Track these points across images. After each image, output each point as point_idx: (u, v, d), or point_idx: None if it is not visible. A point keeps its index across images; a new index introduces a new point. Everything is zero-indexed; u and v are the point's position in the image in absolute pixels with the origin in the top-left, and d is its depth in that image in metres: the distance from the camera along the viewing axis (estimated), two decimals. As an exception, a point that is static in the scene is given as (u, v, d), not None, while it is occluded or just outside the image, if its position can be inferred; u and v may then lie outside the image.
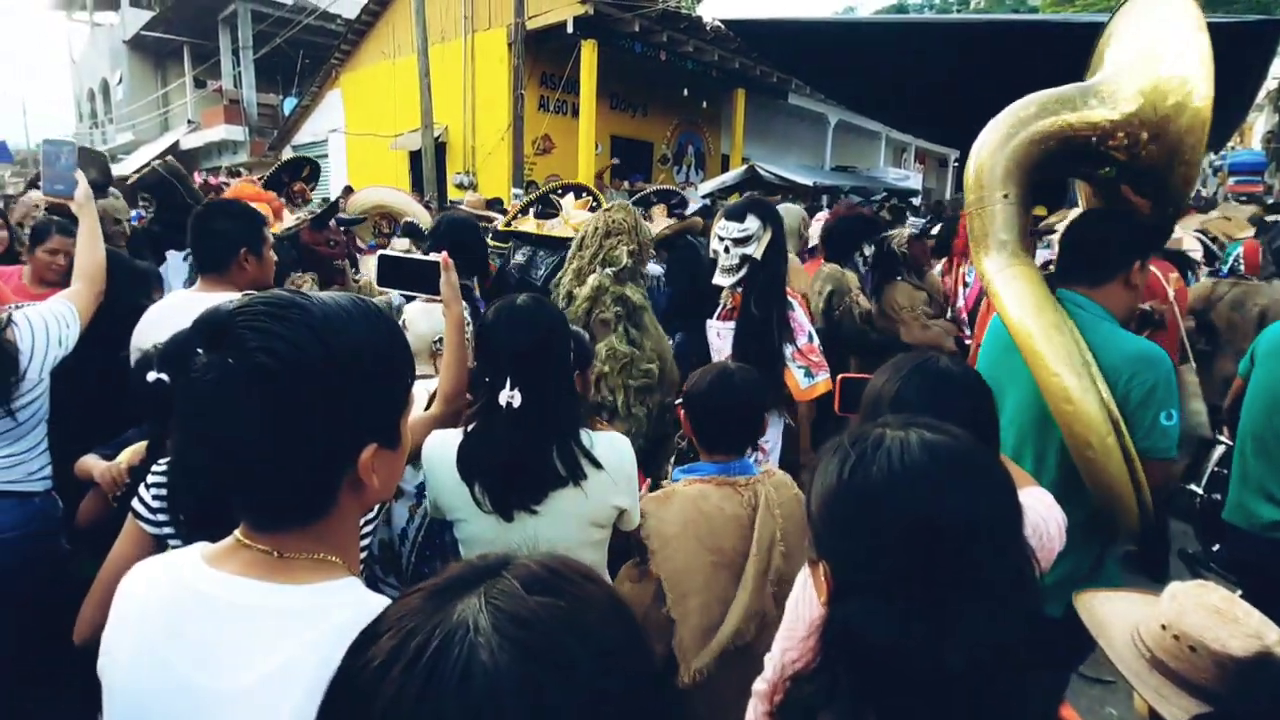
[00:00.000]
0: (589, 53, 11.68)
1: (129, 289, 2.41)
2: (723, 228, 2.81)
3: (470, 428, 1.56)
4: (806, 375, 2.81)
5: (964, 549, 0.77)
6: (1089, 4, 17.91)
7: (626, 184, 12.51)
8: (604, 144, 13.92)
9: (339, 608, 0.78)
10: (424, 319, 2.25)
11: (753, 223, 2.75)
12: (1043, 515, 1.37)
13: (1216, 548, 2.99)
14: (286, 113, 18.69)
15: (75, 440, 1.98)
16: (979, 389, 1.27)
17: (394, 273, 1.74)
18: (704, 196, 9.71)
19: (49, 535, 2.06)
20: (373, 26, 15.35)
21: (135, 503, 1.42)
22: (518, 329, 1.52)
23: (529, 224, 4.05)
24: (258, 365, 0.72)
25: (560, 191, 4.31)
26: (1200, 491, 3.43)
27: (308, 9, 17.36)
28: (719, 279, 2.85)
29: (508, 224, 4.17)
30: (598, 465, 1.55)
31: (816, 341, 2.91)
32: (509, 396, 1.48)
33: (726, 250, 2.79)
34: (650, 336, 3.01)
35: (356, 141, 15.97)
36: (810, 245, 4.98)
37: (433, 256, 1.82)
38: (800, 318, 2.89)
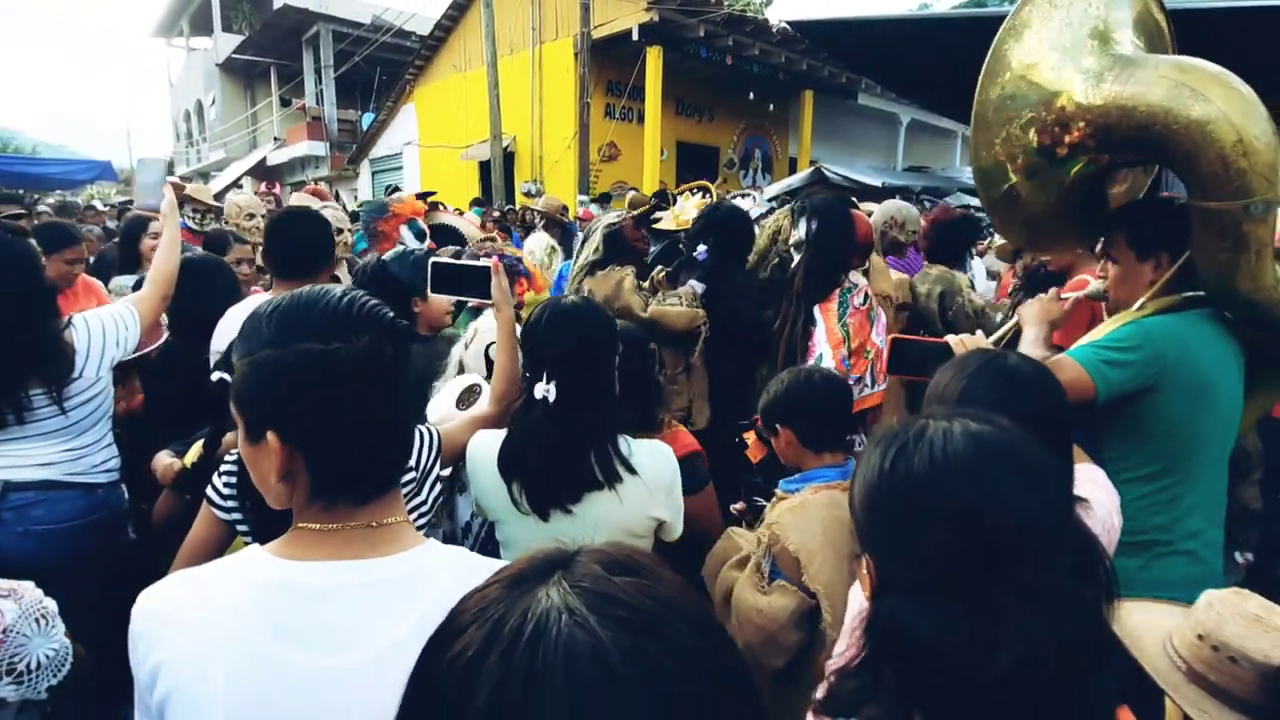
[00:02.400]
0: (654, 60, 11.73)
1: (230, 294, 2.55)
2: (794, 231, 2.81)
3: (511, 425, 1.58)
4: (870, 385, 2.74)
5: (1011, 544, 0.74)
6: (1181, -10, 16.95)
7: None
8: (670, 150, 13.95)
9: (441, 563, 0.87)
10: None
11: (802, 225, 2.71)
12: (1105, 504, 1.29)
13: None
14: (364, 127, 19.43)
15: (163, 437, 2.08)
16: (1053, 387, 1.22)
17: (446, 279, 1.80)
18: (770, 199, 9.60)
19: (114, 526, 2.18)
20: (444, 41, 15.81)
21: (209, 490, 1.49)
22: (559, 327, 1.53)
23: (669, 223, 4.16)
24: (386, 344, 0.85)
25: (688, 193, 4.41)
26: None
27: (384, 27, 18.00)
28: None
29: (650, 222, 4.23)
30: (633, 471, 1.52)
31: (832, 360, 2.72)
32: (545, 390, 1.49)
33: (793, 254, 2.79)
34: None
35: (429, 153, 16.46)
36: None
37: (482, 261, 1.87)
38: (820, 336, 2.73)
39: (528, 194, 13.33)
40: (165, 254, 2.26)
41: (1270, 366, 1.94)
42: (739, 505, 2.01)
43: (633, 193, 7.89)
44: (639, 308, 2.87)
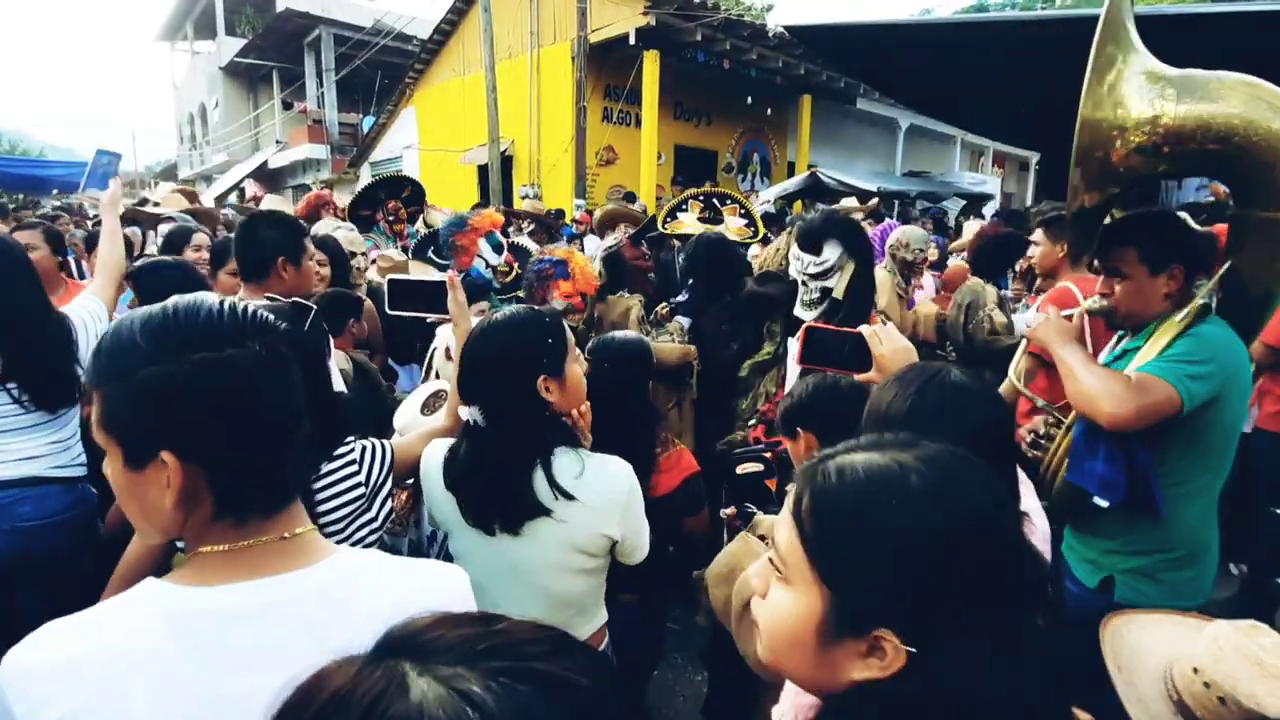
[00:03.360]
0: (651, 64, 11.74)
1: None
2: (798, 259, 2.49)
3: (456, 440, 1.57)
4: None
5: (1017, 569, 0.71)
6: (1183, -4, 16.97)
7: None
8: (668, 154, 13.95)
9: (362, 570, 0.87)
10: None
11: (832, 252, 2.40)
12: (1040, 529, 1.27)
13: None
14: (365, 131, 19.48)
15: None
16: (999, 403, 1.19)
17: (405, 295, 1.79)
18: (763, 203, 9.60)
19: (90, 519, 2.20)
20: (444, 45, 15.84)
21: None
22: (477, 345, 1.49)
23: (686, 226, 4.20)
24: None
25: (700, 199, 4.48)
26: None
27: (385, 31, 18.06)
28: (800, 312, 2.55)
29: (663, 225, 4.32)
30: (570, 497, 1.47)
31: None
32: (469, 414, 1.47)
33: (804, 283, 2.49)
34: None
35: (429, 156, 16.49)
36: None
37: (438, 276, 1.86)
38: (791, 366, 2.69)
39: (525, 198, 13.35)
40: (109, 244, 2.37)
41: None
42: (729, 510, 2.01)
43: (613, 205, 7.87)
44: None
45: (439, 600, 0.87)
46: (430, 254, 4.06)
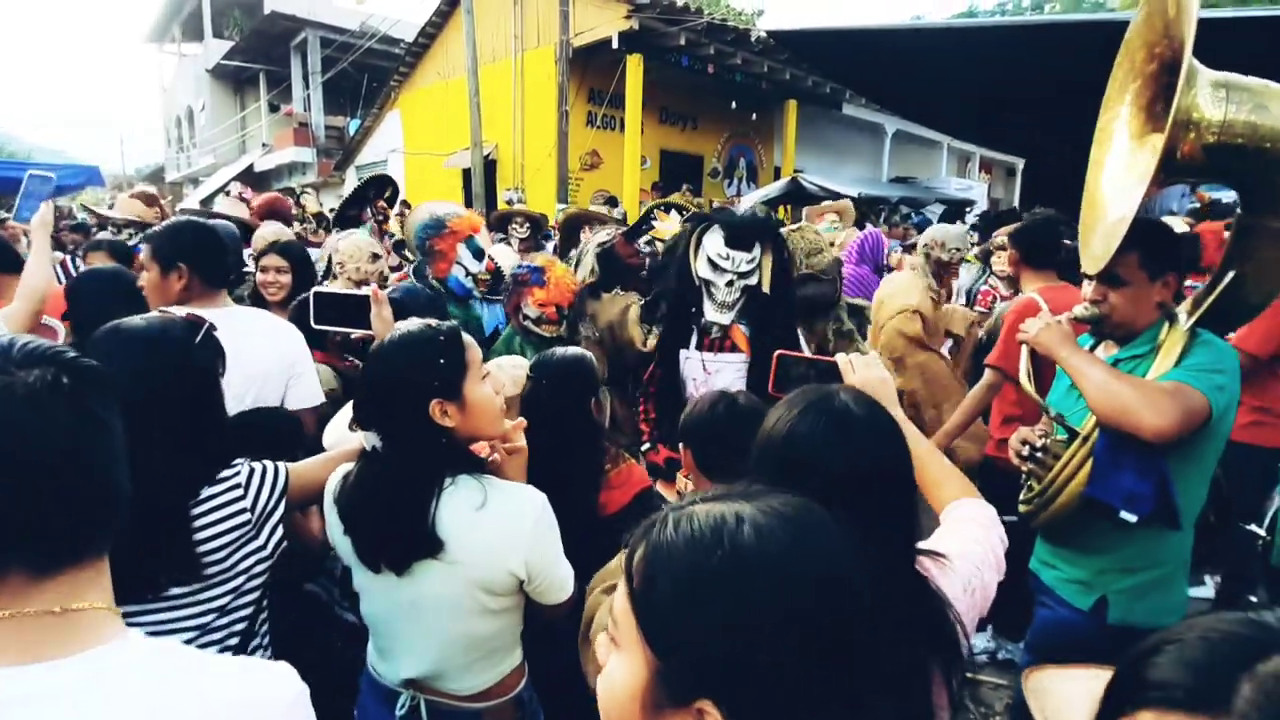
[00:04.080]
0: (634, 68, 11.69)
1: None
2: (724, 256, 2.41)
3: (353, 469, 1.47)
4: None
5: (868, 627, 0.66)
6: None
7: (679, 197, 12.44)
8: (653, 158, 13.91)
9: (135, 668, 0.73)
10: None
11: (759, 250, 2.42)
12: (976, 550, 1.19)
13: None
14: (351, 134, 19.38)
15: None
16: (891, 439, 1.10)
17: (330, 310, 1.76)
18: (747, 209, 9.54)
19: None
20: (429, 49, 15.77)
21: None
22: (371, 366, 1.42)
23: (669, 232, 4.13)
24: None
25: (665, 209, 4.33)
26: (1263, 534, 3.12)
27: (370, 34, 17.98)
28: (714, 315, 2.48)
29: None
30: (440, 545, 1.37)
31: None
32: (367, 440, 1.39)
33: (729, 284, 2.42)
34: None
35: (414, 160, 16.40)
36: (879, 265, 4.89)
37: (363, 290, 1.78)
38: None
39: (509, 202, 13.27)
40: (35, 269, 2.20)
41: None
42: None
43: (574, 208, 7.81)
44: (639, 341, 2.82)
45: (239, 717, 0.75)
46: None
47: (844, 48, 8.52)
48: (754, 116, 14.77)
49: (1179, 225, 4.32)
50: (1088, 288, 2.00)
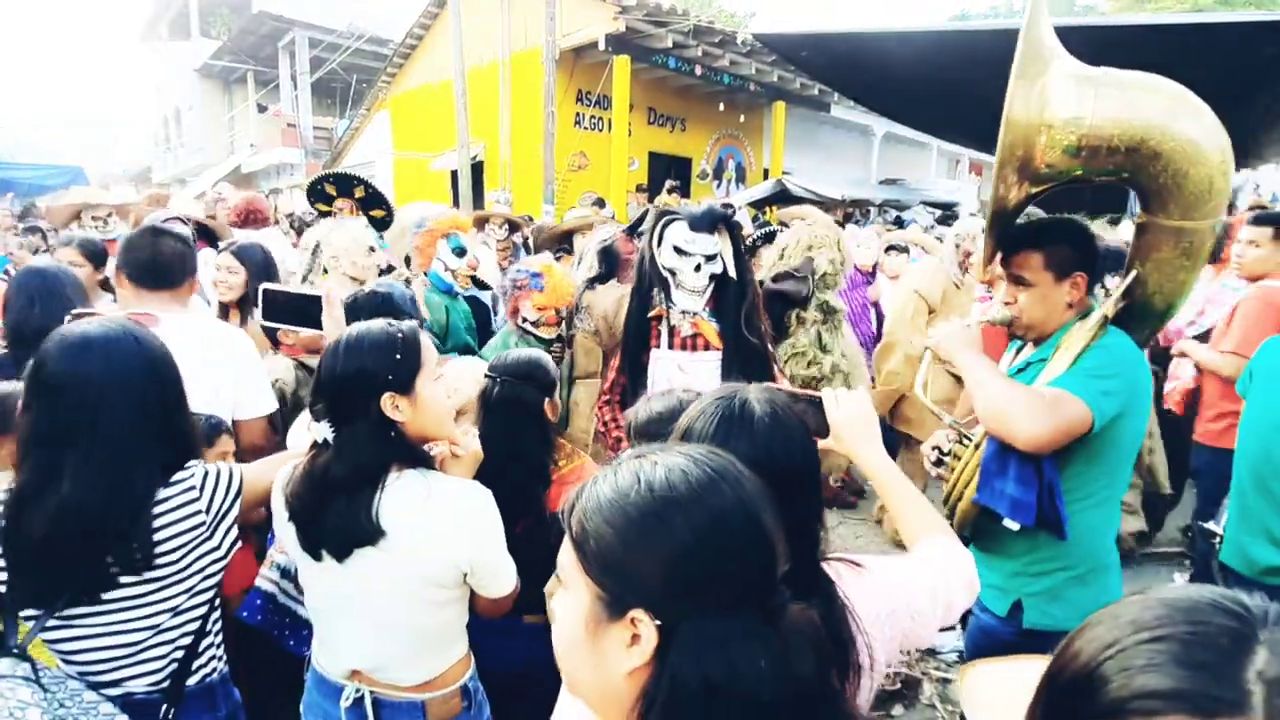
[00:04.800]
0: (621, 69, 11.70)
1: None
2: (689, 240, 2.41)
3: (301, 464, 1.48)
4: None
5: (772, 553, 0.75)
6: (1161, 6, 17.17)
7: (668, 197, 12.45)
8: (641, 160, 13.91)
9: None
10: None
11: (721, 236, 2.43)
12: (912, 585, 1.16)
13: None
14: (340, 135, 19.30)
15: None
16: (791, 430, 1.08)
17: (278, 307, 1.75)
18: (735, 209, 9.55)
19: None
20: (416, 50, 15.74)
21: None
22: (327, 360, 1.42)
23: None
24: None
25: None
26: (1220, 532, 3.14)
27: (358, 34, 17.93)
28: (687, 303, 2.49)
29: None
30: (381, 532, 1.39)
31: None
32: (319, 432, 1.40)
33: (697, 269, 2.43)
34: (840, 338, 3.86)
35: (402, 162, 16.36)
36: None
37: (315, 290, 1.78)
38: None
39: (497, 203, 13.24)
40: None
41: None
42: None
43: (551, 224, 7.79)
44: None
45: None
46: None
47: (828, 51, 8.58)
48: (742, 118, 14.80)
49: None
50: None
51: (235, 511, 1.50)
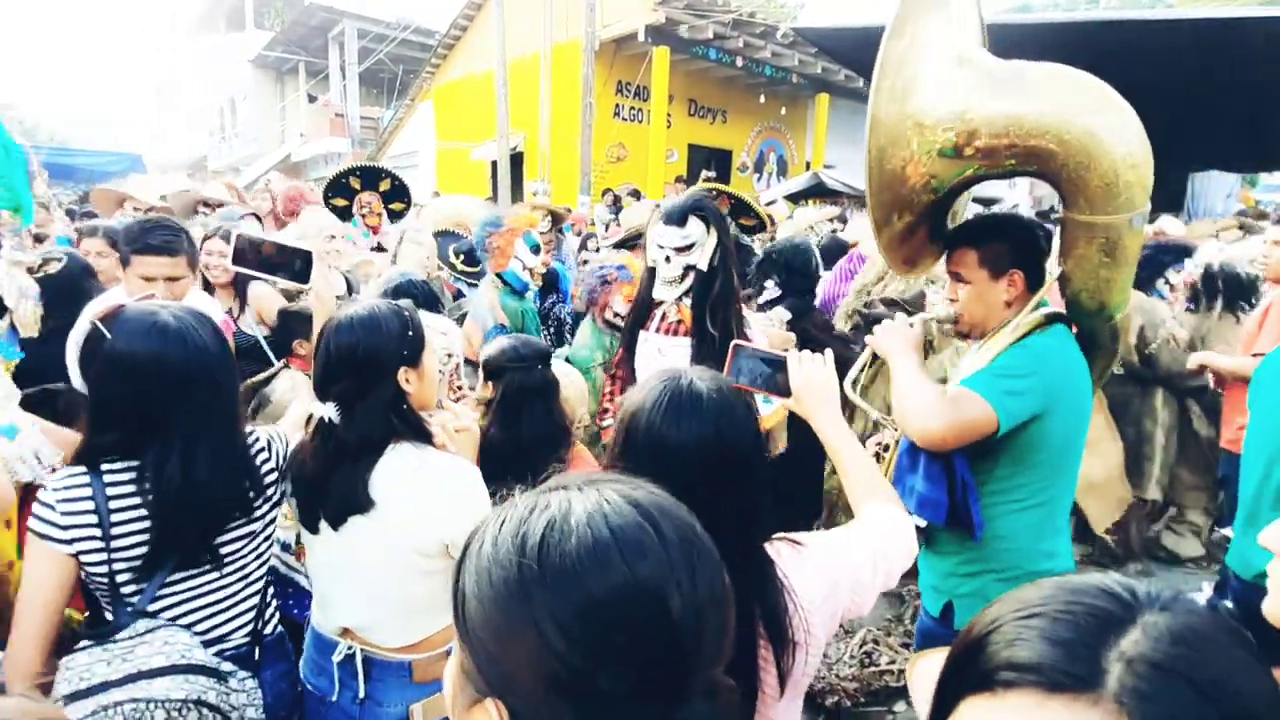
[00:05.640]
0: (661, 60, 11.69)
1: None
2: (661, 234, 2.52)
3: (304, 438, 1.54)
4: (765, 401, 2.63)
5: (696, 634, 0.60)
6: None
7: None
8: (681, 152, 13.89)
9: None
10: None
11: (695, 228, 2.47)
12: (853, 555, 1.17)
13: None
14: (385, 124, 19.65)
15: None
16: (734, 408, 1.08)
17: (253, 253, 1.71)
18: (768, 204, 9.48)
19: None
20: (460, 40, 15.93)
21: (34, 520, 1.34)
22: (340, 338, 1.47)
23: None
24: None
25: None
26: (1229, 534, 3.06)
27: (405, 25, 18.21)
28: (659, 292, 2.58)
29: None
30: (372, 503, 1.45)
31: None
32: (325, 412, 1.45)
33: (668, 260, 2.51)
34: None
35: (445, 151, 16.59)
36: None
37: (305, 245, 1.79)
38: (757, 337, 2.67)
39: (535, 194, 13.36)
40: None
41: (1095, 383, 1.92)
42: None
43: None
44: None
45: None
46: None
47: (864, 44, 8.40)
48: (784, 110, 14.67)
49: (1174, 226, 4.24)
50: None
51: (285, 468, 1.60)
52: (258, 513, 1.51)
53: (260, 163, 22.70)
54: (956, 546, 1.81)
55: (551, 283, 4.35)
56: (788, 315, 3.35)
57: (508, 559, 0.59)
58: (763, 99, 13.65)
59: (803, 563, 1.08)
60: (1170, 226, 5.65)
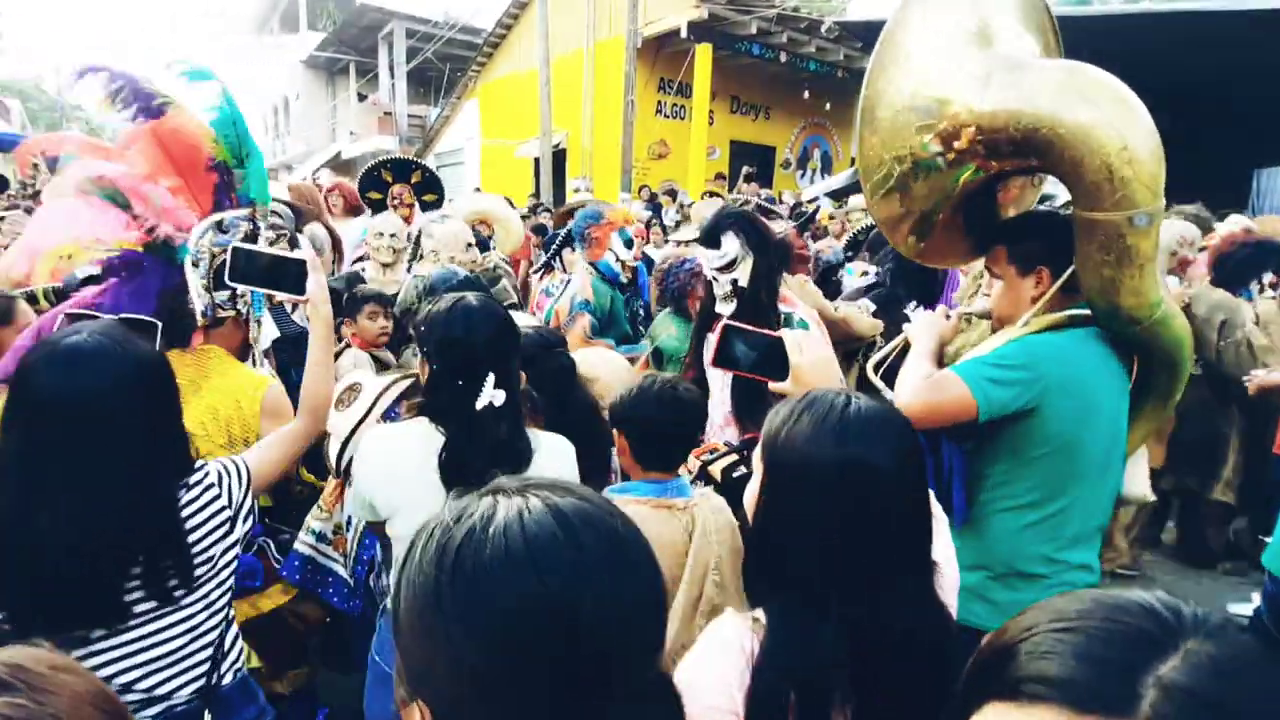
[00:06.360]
0: (703, 57, 11.62)
1: None
2: (703, 256, 2.59)
3: (448, 430, 1.53)
4: None
5: (620, 646, 0.61)
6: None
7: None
8: (723, 148, 13.80)
9: None
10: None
11: (731, 245, 2.47)
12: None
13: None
14: (432, 122, 19.95)
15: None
16: (903, 432, 1.04)
17: (249, 268, 1.63)
18: (810, 200, 9.38)
19: None
20: (506, 39, 16.06)
21: None
22: (489, 324, 1.52)
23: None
24: None
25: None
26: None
27: (452, 24, 18.43)
28: (719, 308, 2.62)
29: None
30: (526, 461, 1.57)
31: None
32: (494, 395, 1.49)
33: (715, 280, 2.56)
34: None
35: (488, 148, 16.77)
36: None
37: (296, 254, 1.72)
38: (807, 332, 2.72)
39: (577, 191, 13.41)
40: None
41: (1151, 397, 1.85)
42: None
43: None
44: (867, 327, 3.24)
45: None
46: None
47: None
48: (828, 105, 14.45)
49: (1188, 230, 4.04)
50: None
51: (250, 502, 1.49)
52: (182, 580, 1.33)
53: (311, 161, 23.22)
54: (954, 540, 1.79)
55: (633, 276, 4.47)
56: (872, 306, 3.45)
57: (428, 567, 0.60)
58: (807, 94, 13.46)
59: (948, 592, 1.07)
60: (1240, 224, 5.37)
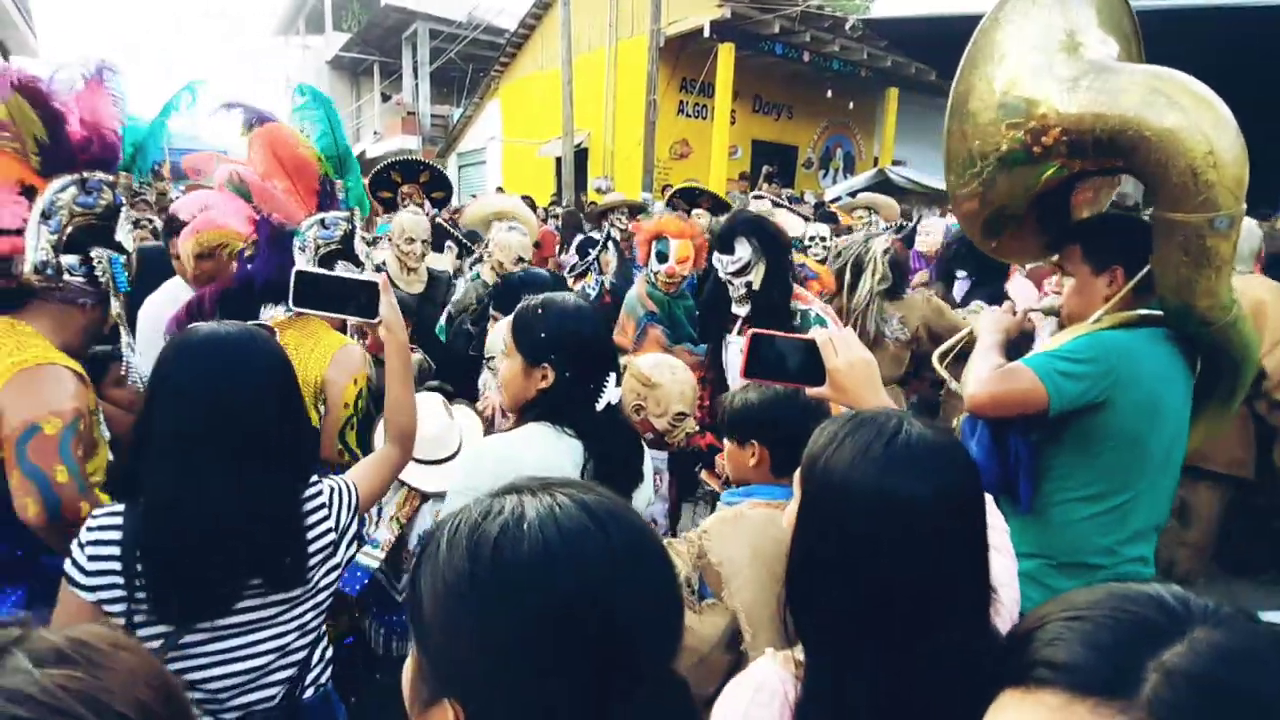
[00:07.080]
0: (725, 56, 11.59)
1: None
2: (718, 260, 2.60)
3: (582, 432, 1.54)
4: None
5: (647, 648, 0.63)
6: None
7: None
8: (744, 148, 13.75)
9: None
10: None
11: (744, 249, 2.51)
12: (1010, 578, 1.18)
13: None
14: (454, 122, 20.08)
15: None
16: (968, 464, 0.95)
17: (315, 291, 1.57)
18: (832, 200, 9.31)
19: None
20: (528, 38, 16.12)
21: (69, 565, 1.23)
22: (604, 324, 1.62)
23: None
24: None
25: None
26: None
27: (475, 24, 18.54)
28: (736, 309, 2.68)
29: None
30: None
31: None
32: (612, 395, 1.56)
33: (730, 283, 2.60)
34: None
35: (510, 148, 16.84)
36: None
37: (368, 276, 1.66)
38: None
39: (598, 190, 13.42)
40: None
41: (1213, 399, 1.86)
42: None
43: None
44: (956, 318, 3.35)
45: None
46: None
47: (937, 34, 8.11)
48: (852, 105, 14.34)
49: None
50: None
51: (355, 528, 1.47)
52: (292, 591, 1.33)
53: (336, 160, 23.45)
54: (1016, 526, 1.78)
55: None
56: (986, 305, 3.43)
57: (461, 562, 0.61)
58: (829, 94, 13.36)
59: (1002, 619, 0.97)
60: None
